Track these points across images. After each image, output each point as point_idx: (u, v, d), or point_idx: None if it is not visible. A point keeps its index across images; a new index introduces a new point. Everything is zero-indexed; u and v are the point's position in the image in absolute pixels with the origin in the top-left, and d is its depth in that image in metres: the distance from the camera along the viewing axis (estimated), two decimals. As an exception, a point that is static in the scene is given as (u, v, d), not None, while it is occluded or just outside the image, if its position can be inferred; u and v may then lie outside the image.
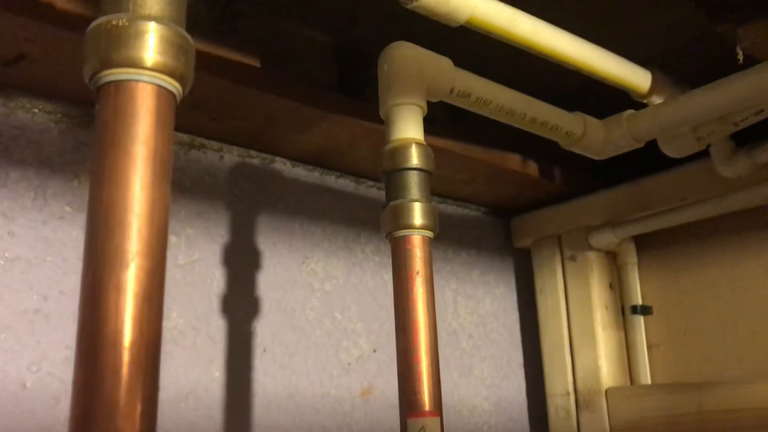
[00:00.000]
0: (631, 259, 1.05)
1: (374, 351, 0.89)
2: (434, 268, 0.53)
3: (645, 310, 1.04)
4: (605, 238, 1.00)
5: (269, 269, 0.82)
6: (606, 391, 0.98)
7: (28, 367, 0.63)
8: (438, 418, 0.47)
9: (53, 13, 0.57)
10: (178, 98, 0.31)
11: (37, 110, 0.68)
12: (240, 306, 0.78)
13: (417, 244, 0.50)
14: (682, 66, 0.78)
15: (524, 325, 1.12)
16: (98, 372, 0.26)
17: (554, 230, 1.07)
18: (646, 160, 0.90)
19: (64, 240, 0.67)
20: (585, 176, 1.05)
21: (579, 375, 1.00)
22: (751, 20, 0.68)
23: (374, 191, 0.96)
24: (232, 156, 0.82)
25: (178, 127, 0.76)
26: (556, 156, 0.89)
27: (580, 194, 1.04)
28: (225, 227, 0.79)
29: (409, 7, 0.51)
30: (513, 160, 0.96)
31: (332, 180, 0.92)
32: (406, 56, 0.56)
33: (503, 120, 0.67)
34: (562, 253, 1.06)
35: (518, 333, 1.11)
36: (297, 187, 0.88)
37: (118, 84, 0.29)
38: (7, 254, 0.64)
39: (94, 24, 0.30)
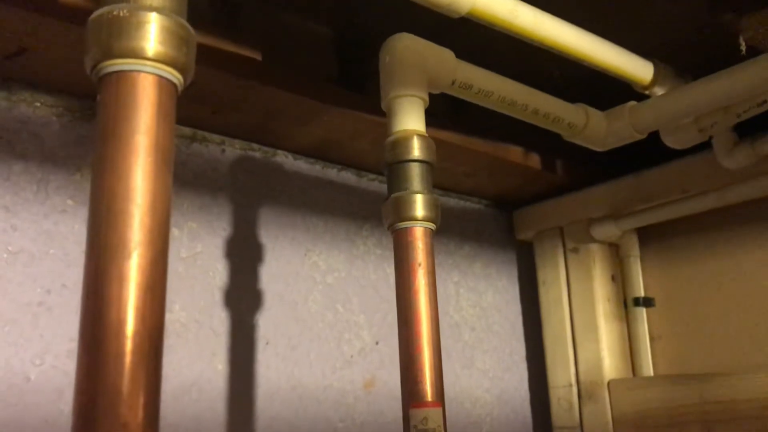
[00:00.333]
0: (633, 251, 1.05)
1: (376, 343, 0.89)
2: (436, 261, 0.54)
3: (647, 302, 1.04)
4: (607, 230, 1.00)
5: (271, 262, 0.82)
6: (608, 383, 0.98)
7: (31, 360, 0.63)
8: (440, 409, 0.47)
9: (55, 6, 0.57)
10: (180, 89, 0.32)
11: (39, 104, 0.68)
12: (242, 299, 0.79)
13: (419, 235, 0.50)
14: (685, 57, 0.78)
15: (526, 318, 1.12)
16: (101, 361, 0.27)
17: (556, 222, 1.07)
18: (648, 152, 0.89)
19: (67, 233, 0.67)
20: (587, 168, 1.04)
21: (581, 367, 1.01)
22: (753, 10, 0.68)
23: (376, 184, 0.96)
24: (233, 149, 0.82)
25: (180, 121, 0.77)
26: (559, 148, 0.89)
27: (583, 186, 1.04)
28: (227, 220, 0.79)
29: (410, -2, 0.51)
30: (515, 153, 0.96)
31: (334, 173, 0.92)
32: (407, 48, 0.56)
33: (505, 111, 0.67)
34: (564, 246, 1.06)
35: (520, 325, 1.11)
36: (299, 180, 0.88)
37: (120, 74, 0.29)
38: (9, 248, 0.64)
39: (95, 14, 0.30)
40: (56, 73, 0.66)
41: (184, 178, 0.77)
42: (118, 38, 0.29)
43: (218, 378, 0.75)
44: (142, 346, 0.27)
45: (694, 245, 1.00)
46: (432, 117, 0.60)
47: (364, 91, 0.79)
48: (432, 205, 0.51)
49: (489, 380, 1.02)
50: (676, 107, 0.71)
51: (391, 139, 0.53)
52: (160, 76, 0.30)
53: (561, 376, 1.02)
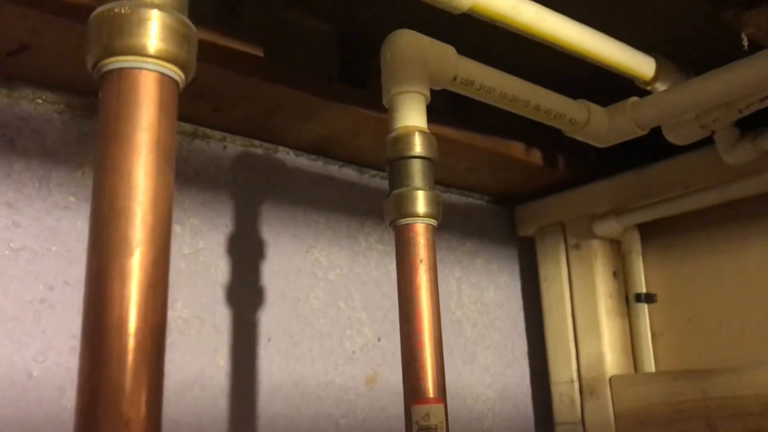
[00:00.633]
0: (635, 247, 1.05)
1: (378, 340, 0.89)
2: (438, 257, 0.53)
3: (649, 298, 1.04)
4: (609, 227, 1.00)
5: (273, 259, 0.82)
6: (610, 379, 0.98)
7: (34, 357, 0.63)
8: (442, 405, 0.47)
9: (56, 3, 0.57)
10: (181, 86, 0.32)
11: (40, 101, 0.68)
12: (244, 295, 0.79)
13: (420, 232, 0.50)
14: (687, 53, 0.77)
15: (528, 314, 1.12)
16: (103, 358, 0.27)
17: (558, 219, 1.07)
18: (650, 148, 0.89)
19: (69, 230, 0.67)
20: (589, 164, 1.04)
21: (583, 363, 1.01)
22: (756, 6, 0.68)
23: (377, 180, 0.96)
24: (235, 146, 0.82)
25: (181, 117, 0.77)
26: (560, 144, 0.89)
27: (584, 182, 1.03)
28: (229, 217, 0.80)
29: (411, -6, 0.51)
30: (517, 149, 0.95)
31: (335, 169, 0.92)
32: (409, 44, 0.56)
33: (507, 108, 0.67)
34: (566, 242, 1.06)
35: (522, 321, 1.11)
36: (300, 177, 0.88)
37: (121, 72, 0.29)
38: (12, 244, 0.64)
39: (96, 12, 0.30)
40: (58, 69, 0.66)
41: (185, 174, 0.77)
42: (119, 35, 0.29)
43: (220, 374, 0.75)
44: (144, 343, 0.27)
45: (696, 241, 1.00)
46: (434, 113, 0.60)
47: (365, 87, 0.79)
48: (433, 202, 0.51)
49: (491, 376, 1.03)
50: (678, 103, 0.71)
51: (392, 135, 0.53)
52: (162, 74, 0.30)
53: (563, 372, 1.02)
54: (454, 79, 0.60)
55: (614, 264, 1.05)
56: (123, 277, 0.27)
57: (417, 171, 0.52)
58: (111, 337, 0.27)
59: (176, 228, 0.75)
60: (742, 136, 0.82)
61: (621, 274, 1.05)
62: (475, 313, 1.03)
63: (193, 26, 0.32)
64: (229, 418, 0.74)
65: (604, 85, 0.76)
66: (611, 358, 0.99)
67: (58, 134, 0.69)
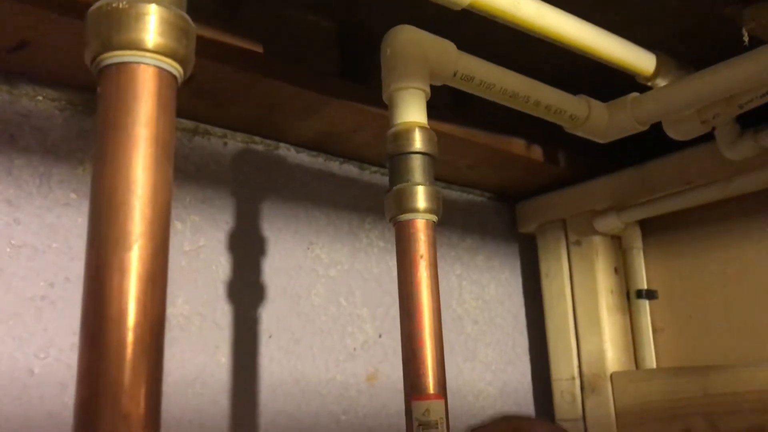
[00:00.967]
0: (636, 243, 1.05)
1: (379, 336, 0.89)
2: (439, 253, 0.53)
3: (650, 295, 1.03)
4: (610, 223, 1.00)
5: (274, 255, 0.82)
6: (611, 376, 0.98)
7: (35, 354, 0.63)
8: (442, 401, 0.47)
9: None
10: (180, 80, 0.32)
11: (41, 97, 0.68)
12: (245, 292, 0.79)
13: (421, 227, 0.50)
14: (687, 48, 0.77)
15: (529, 310, 1.12)
16: (103, 353, 0.27)
17: (559, 215, 1.07)
18: (651, 144, 0.89)
19: (69, 227, 0.67)
20: (590, 160, 1.04)
21: (584, 359, 1.01)
22: (756, 1, 0.68)
23: (378, 177, 0.96)
24: (236, 142, 0.82)
25: (182, 114, 0.77)
26: (561, 140, 0.89)
27: (585, 179, 1.03)
28: (230, 213, 0.80)
29: (411, -10, 0.51)
30: (517, 145, 0.95)
31: (336, 166, 0.92)
32: (409, 40, 0.56)
33: (507, 103, 0.66)
34: (567, 238, 1.06)
35: (523, 318, 1.11)
36: (301, 173, 0.88)
37: (120, 66, 0.29)
38: (13, 241, 0.64)
39: (94, 7, 0.30)
40: (58, 66, 0.66)
41: (186, 171, 0.77)
42: (117, 30, 0.29)
43: (221, 371, 0.75)
44: (143, 337, 0.27)
45: (697, 237, 1.00)
46: (434, 109, 0.60)
47: (365, 83, 0.79)
48: (434, 197, 0.51)
49: (492, 373, 1.03)
50: (679, 98, 0.71)
51: (392, 131, 0.53)
52: (160, 68, 0.30)
53: (564, 368, 1.02)
54: (454, 74, 0.60)
55: (615, 260, 1.05)
56: (122, 271, 0.27)
57: (417, 166, 0.52)
58: (110, 331, 0.27)
59: (177, 225, 0.75)
60: (742, 132, 0.82)
61: (622, 271, 1.05)
62: (476, 309, 1.03)
63: (191, 21, 0.32)
64: (230, 414, 0.74)
65: (604, 81, 0.76)
66: (612, 355, 0.99)
67: (58, 131, 0.69)
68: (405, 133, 0.52)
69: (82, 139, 0.70)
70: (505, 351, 1.06)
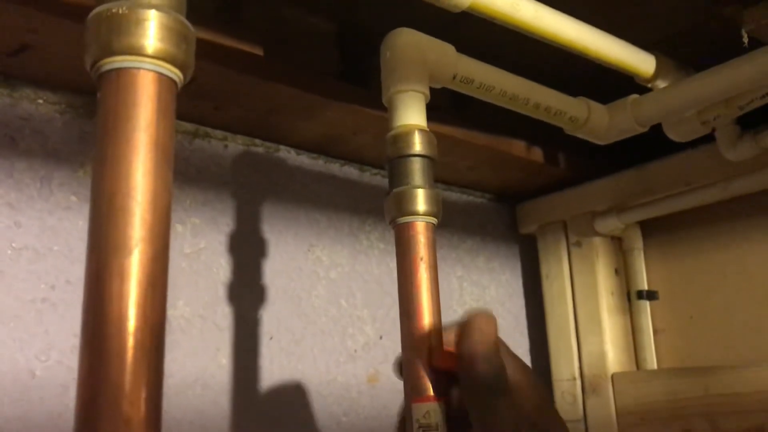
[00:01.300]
0: (636, 244, 1.05)
1: (380, 338, 0.90)
2: (439, 255, 0.53)
3: (651, 295, 1.04)
4: (610, 224, 1.00)
5: (275, 257, 0.82)
6: (612, 376, 0.98)
7: (36, 356, 0.64)
8: (442, 403, 0.47)
9: (57, 3, 0.57)
10: (179, 85, 0.32)
11: (41, 101, 0.68)
12: (246, 294, 0.79)
13: (420, 230, 0.50)
14: (687, 50, 0.77)
15: (530, 312, 1.12)
16: (103, 357, 0.27)
17: (559, 216, 1.07)
18: (651, 145, 0.89)
19: (70, 229, 0.68)
20: (590, 162, 1.04)
21: (585, 360, 1.01)
22: (756, 2, 0.68)
23: (378, 179, 0.96)
24: (236, 145, 0.82)
25: (182, 117, 0.77)
26: (561, 141, 0.89)
27: (586, 180, 1.03)
28: (230, 216, 0.80)
29: (410, -8, 0.51)
30: (518, 146, 0.95)
31: (337, 168, 0.92)
32: (408, 43, 0.56)
33: (506, 106, 0.67)
34: (567, 239, 1.06)
35: (524, 319, 1.11)
36: (301, 175, 0.88)
37: (119, 71, 0.29)
38: (14, 244, 0.64)
39: (94, 12, 0.30)
40: (58, 69, 0.66)
41: (186, 174, 0.77)
42: (117, 35, 0.29)
43: (222, 373, 0.75)
44: (143, 342, 0.27)
45: (698, 238, 1.00)
46: (434, 111, 0.60)
47: (366, 85, 0.79)
48: (433, 200, 0.51)
49: (493, 374, 1.02)
50: (679, 100, 0.71)
51: (392, 134, 0.53)
52: (160, 73, 0.30)
53: (564, 369, 1.02)
54: (454, 77, 0.60)
55: (616, 261, 1.05)
56: (122, 276, 0.27)
57: (417, 169, 0.52)
58: (111, 336, 0.27)
59: (178, 227, 0.75)
60: (743, 133, 0.82)
61: (622, 272, 1.05)
62: (476, 310, 1.03)
63: (191, 26, 0.32)
64: (230, 416, 0.74)
65: (604, 82, 0.76)
66: (613, 356, 0.99)
67: (59, 134, 0.69)
68: (404, 136, 0.52)
69: (82, 142, 0.70)
70: (506, 352, 1.06)
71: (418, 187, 0.51)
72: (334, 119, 0.80)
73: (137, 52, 0.29)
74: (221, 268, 0.77)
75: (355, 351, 0.87)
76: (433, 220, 0.51)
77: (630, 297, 1.04)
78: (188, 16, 0.32)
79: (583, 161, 1.04)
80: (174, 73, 0.31)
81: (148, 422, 0.27)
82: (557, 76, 0.74)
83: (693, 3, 0.74)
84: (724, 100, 0.72)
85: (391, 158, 0.53)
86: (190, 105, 0.74)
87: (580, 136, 0.75)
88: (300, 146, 0.88)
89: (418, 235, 0.50)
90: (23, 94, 0.67)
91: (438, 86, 0.60)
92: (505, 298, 1.09)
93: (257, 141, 0.84)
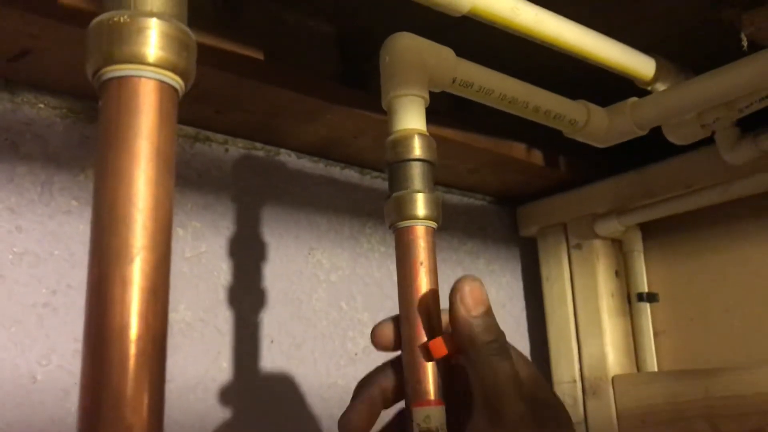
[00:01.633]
0: (637, 246, 1.05)
1: (381, 341, 0.90)
2: (440, 257, 0.53)
3: (651, 298, 1.04)
4: (611, 226, 1.00)
5: (275, 260, 0.82)
6: (612, 379, 0.98)
7: (38, 361, 0.64)
8: (443, 407, 0.47)
9: (57, 8, 0.57)
10: (181, 93, 0.32)
11: (42, 105, 0.68)
12: (247, 297, 0.79)
13: (420, 234, 0.50)
14: (687, 53, 0.78)
15: (530, 314, 1.12)
16: (105, 365, 0.27)
17: (560, 219, 1.07)
18: (650, 148, 0.89)
19: (71, 234, 0.68)
20: (590, 164, 1.04)
21: (585, 362, 1.01)
22: (755, 6, 0.68)
23: (379, 182, 0.96)
24: (237, 148, 0.83)
25: (183, 121, 0.77)
26: (562, 144, 0.89)
27: (586, 182, 1.04)
28: (231, 219, 0.80)
29: (410, -3, 0.51)
30: (518, 149, 0.96)
31: (337, 171, 0.92)
32: (407, 47, 0.56)
33: (506, 109, 0.67)
34: (567, 242, 1.06)
35: (524, 321, 1.11)
36: (302, 179, 0.88)
37: (121, 80, 0.30)
38: (15, 249, 0.64)
39: (95, 21, 0.30)
40: (59, 74, 0.66)
41: (187, 178, 0.77)
42: (119, 44, 0.29)
43: (223, 376, 0.75)
44: (145, 349, 0.27)
45: (698, 240, 1.00)
46: (434, 114, 0.60)
47: (366, 89, 0.80)
48: (433, 204, 0.51)
49: (493, 376, 1.02)
50: (678, 103, 0.71)
51: (391, 138, 0.53)
52: (162, 81, 0.30)
53: (565, 371, 1.02)
54: (453, 81, 0.60)
55: (616, 263, 1.05)
56: (124, 284, 0.27)
57: (416, 174, 0.52)
58: (112, 344, 0.27)
59: (178, 231, 0.75)
60: (742, 136, 0.82)
61: (623, 274, 1.06)
62: (477, 313, 1.03)
63: (192, 34, 0.32)
64: (232, 419, 0.75)
65: (603, 85, 0.76)
66: (613, 358, 0.99)
67: (60, 139, 0.69)
68: (404, 141, 0.52)
69: (83, 147, 0.70)
70: (507, 354, 1.06)
71: (418, 192, 0.51)
72: (334, 122, 0.80)
73: (139, 60, 0.29)
74: (222, 272, 0.78)
75: (356, 354, 0.87)
76: (433, 225, 0.52)
77: (630, 299, 1.04)
78: (188, 21, 0.32)
79: (583, 164, 1.04)
80: (175, 81, 0.31)
81: (150, 429, 0.27)
82: (556, 79, 0.74)
83: (692, 6, 0.74)
84: (724, 103, 0.72)
85: (390, 163, 0.53)
86: (190, 109, 0.74)
87: (579, 139, 0.75)
88: (300, 149, 0.88)
89: (418, 239, 0.50)
90: (24, 99, 0.67)
91: (437, 90, 0.60)
92: (505, 301, 1.09)
93: (258, 144, 0.84)
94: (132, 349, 0.27)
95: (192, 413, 0.72)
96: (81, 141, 0.70)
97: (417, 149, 0.52)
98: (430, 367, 0.48)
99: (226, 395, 0.75)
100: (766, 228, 0.93)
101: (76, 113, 0.70)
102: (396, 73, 0.55)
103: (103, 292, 0.28)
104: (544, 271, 1.08)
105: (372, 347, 0.52)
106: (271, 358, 0.79)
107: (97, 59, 0.30)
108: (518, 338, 1.09)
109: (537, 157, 0.98)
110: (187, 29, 0.32)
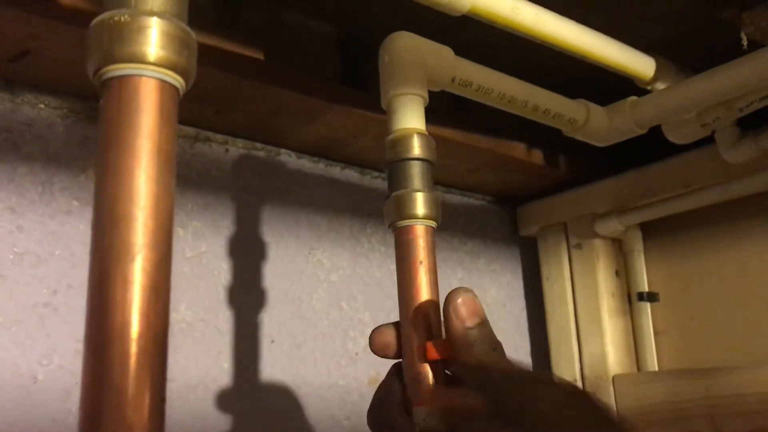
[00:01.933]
0: (637, 246, 1.05)
1: (381, 340, 0.90)
2: (440, 257, 0.53)
3: (651, 297, 1.04)
4: (611, 226, 1.00)
5: (276, 260, 0.82)
6: (613, 378, 0.98)
7: (39, 361, 0.64)
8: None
9: (58, 8, 0.57)
10: (181, 92, 0.32)
11: (43, 105, 0.69)
12: (247, 297, 0.79)
13: (420, 234, 0.50)
14: (686, 52, 0.78)
15: (531, 314, 1.12)
16: (106, 364, 0.27)
17: (560, 218, 1.07)
18: (651, 147, 0.89)
19: (72, 234, 0.68)
20: (590, 164, 1.04)
21: (586, 362, 1.01)
22: (755, 5, 0.68)
23: (379, 181, 0.96)
24: (237, 149, 0.83)
25: (183, 121, 0.77)
26: (562, 144, 0.89)
27: (586, 182, 1.04)
28: (231, 219, 0.80)
29: (410, -4, 0.51)
30: (518, 149, 0.96)
31: (337, 171, 0.92)
32: (406, 46, 0.56)
33: (505, 108, 0.67)
34: (568, 241, 1.06)
35: (525, 321, 1.11)
36: (302, 179, 0.88)
37: (122, 79, 0.30)
38: (16, 249, 0.64)
39: (96, 20, 0.30)
40: (60, 74, 0.66)
41: (188, 178, 0.77)
42: (119, 43, 0.30)
43: (224, 376, 0.75)
44: (146, 348, 0.27)
45: (698, 240, 1.00)
46: (434, 114, 0.60)
47: (366, 88, 0.80)
48: (433, 204, 0.51)
49: (494, 376, 1.02)
50: (678, 102, 0.71)
51: (391, 137, 0.53)
52: (162, 80, 0.30)
53: (565, 371, 1.02)
54: (453, 80, 0.60)
55: (616, 263, 1.05)
56: (125, 283, 0.27)
57: (416, 173, 0.52)
58: (114, 343, 0.27)
59: (179, 231, 0.75)
60: (742, 135, 0.82)
61: (623, 273, 1.06)
62: (477, 313, 1.03)
63: (192, 33, 0.32)
64: (232, 419, 0.75)
65: (603, 84, 0.76)
66: (614, 357, 0.99)
67: (60, 139, 0.69)
68: (403, 140, 0.52)
69: (83, 147, 0.70)
70: (507, 354, 1.06)
71: (417, 191, 0.51)
72: (334, 122, 0.80)
73: (139, 59, 0.30)
74: (222, 272, 0.78)
75: (357, 354, 0.87)
76: (433, 224, 0.51)
77: (630, 298, 1.04)
78: (189, 21, 0.32)
79: (583, 163, 1.04)
80: (176, 80, 0.31)
81: (151, 428, 0.27)
82: (556, 78, 0.74)
83: (692, 6, 0.74)
84: (724, 102, 0.72)
85: (390, 162, 0.53)
86: (191, 109, 0.75)
87: (579, 138, 0.75)
88: (301, 149, 0.88)
89: (418, 238, 0.50)
90: (24, 99, 0.67)
91: (437, 89, 0.60)
92: (505, 300, 1.09)
93: (258, 145, 0.84)
94: (133, 348, 0.27)
95: (193, 413, 0.72)
96: (81, 141, 0.70)
97: (416, 148, 0.52)
98: (428, 367, 0.48)
99: (227, 395, 0.75)
100: (766, 227, 0.93)
101: (76, 113, 0.70)
102: (395, 73, 0.55)
103: (105, 290, 0.28)
104: (545, 271, 1.08)
105: (372, 348, 0.52)
106: (272, 358, 0.79)
107: (97, 58, 0.30)
108: (518, 338, 1.09)
109: (537, 156, 0.98)
110: (188, 28, 0.32)
